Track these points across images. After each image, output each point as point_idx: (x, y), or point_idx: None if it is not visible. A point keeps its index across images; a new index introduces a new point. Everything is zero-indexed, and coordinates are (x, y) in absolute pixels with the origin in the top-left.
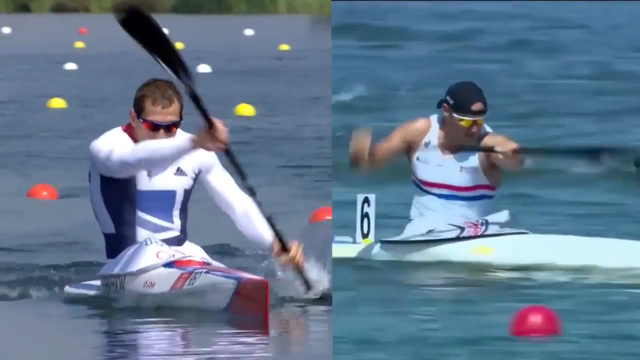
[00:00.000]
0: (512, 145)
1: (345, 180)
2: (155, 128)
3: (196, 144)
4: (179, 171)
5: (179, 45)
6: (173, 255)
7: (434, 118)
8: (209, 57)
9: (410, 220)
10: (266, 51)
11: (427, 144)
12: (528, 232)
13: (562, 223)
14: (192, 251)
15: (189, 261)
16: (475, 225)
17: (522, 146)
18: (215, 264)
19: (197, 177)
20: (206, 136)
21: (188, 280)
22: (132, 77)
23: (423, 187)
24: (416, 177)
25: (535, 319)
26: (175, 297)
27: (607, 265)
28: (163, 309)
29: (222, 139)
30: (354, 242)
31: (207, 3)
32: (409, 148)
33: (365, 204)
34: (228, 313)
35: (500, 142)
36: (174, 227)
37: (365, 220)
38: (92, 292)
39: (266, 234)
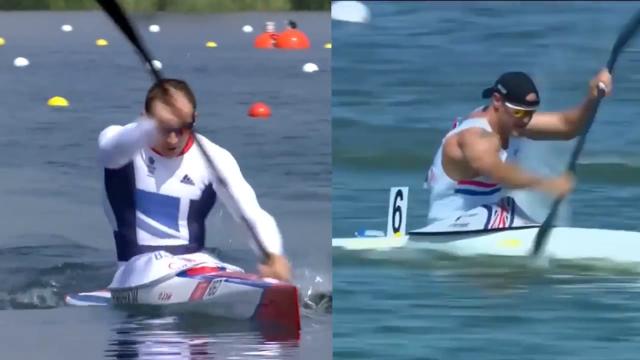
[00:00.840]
0: (604, 76)
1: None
2: (166, 131)
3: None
4: (186, 179)
5: None
6: (185, 265)
7: (482, 124)
8: (29, 52)
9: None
10: (84, 46)
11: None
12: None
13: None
14: (203, 258)
15: (203, 268)
16: (502, 202)
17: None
18: (230, 267)
19: (209, 189)
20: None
21: (208, 290)
22: None
23: (484, 189)
24: (480, 183)
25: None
26: (195, 308)
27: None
28: (185, 317)
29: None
30: (385, 236)
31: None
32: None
33: (398, 198)
34: (255, 322)
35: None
36: (179, 235)
37: (397, 213)
38: (99, 304)
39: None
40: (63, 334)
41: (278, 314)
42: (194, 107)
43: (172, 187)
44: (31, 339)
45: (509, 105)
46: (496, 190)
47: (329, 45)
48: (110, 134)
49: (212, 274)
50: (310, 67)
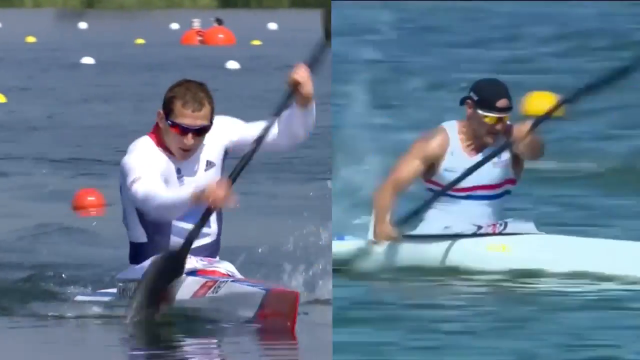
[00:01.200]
0: (524, 129)
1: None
2: (184, 132)
3: (196, 202)
4: (209, 164)
5: None
6: (198, 265)
7: (448, 126)
8: None
9: (423, 219)
10: (14, 44)
11: (452, 154)
12: (544, 233)
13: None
14: (221, 265)
15: (214, 271)
16: (494, 226)
17: (534, 118)
18: (240, 277)
19: (225, 158)
20: (206, 195)
21: (212, 289)
22: None
23: (452, 193)
24: (443, 187)
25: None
26: (197, 305)
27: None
28: (185, 319)
29: (219, 198)
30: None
31: None
32: (431, 165)
33: None
34: (253, 323)
35: (519, 129)
36: (211, 231)
37: None
38: (105, 299)
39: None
40: (59, 338)
41: (277, 318)
42: (214, 110)
43: (200, 180)
44: (31, 345)
45: (479, 112)
46: (467, 197)
47: (255, 42)
48: (144, 181)
49: (222, 277)
50: (232, 65)
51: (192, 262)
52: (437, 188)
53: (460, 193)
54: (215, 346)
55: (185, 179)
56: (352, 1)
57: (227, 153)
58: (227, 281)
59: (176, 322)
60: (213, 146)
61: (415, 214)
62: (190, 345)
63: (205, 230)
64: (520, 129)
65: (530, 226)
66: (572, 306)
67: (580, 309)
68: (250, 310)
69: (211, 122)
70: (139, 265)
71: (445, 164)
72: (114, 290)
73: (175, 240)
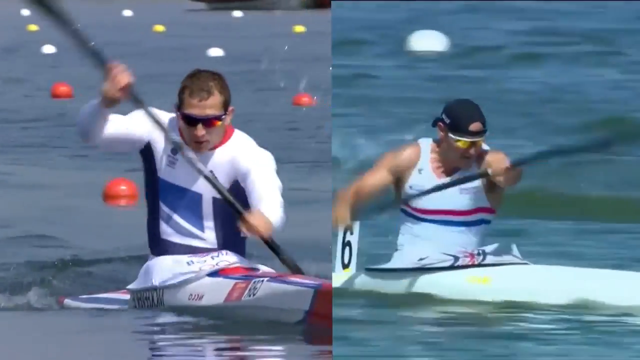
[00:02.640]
0: (504, 164)
1: None
2: (191, 122)
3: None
4: (211, 172)
5: None
6: (217, 264)
7: (423, 142)
8: None
9: (398, 249)
10: None
11: (420, 171)
12: (528, 262)
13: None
14: (233, 258)
15: (237, 268)
16: (472, 255)
17: (516, 160)
18: (264, 268)
19: (236, 188)
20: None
21: (247, 291)
22: None
23: (417, 215)
24: (409, 206)
25: None
26: (233, 310)
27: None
28: (218, 319)
29: (120, 81)
30: (333, 272)
31: None
32: (398, 179)
33: (348, 232)
34: (303, 325)
35: (496, 160)
36: (205, 237)
37: (347, 249)
38: (115, 307)
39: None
40: (84, 337)
41: (330, 315)
42: (227, 101)
43: (194, 181)
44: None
45: (451, 135)
46: (435, 221)
47: None
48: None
49: (249, 274)
50: None
51: (207, 265)
52: (411, 211)
53: (426, 215)
54: (252, 351)
55: (177, 170)
56: (352, 1)
57: (235, 184)
58: (262, 280)
59: (209, 323)
60: (225, 167)
61: (373, 212)
62: (221, 350)
63: (195, 230)
64: (497, 160)
65: (510, 257)
66: (560, 340)
67: (570, 343)
68: (298, 313)
69: (224, 113)
70: (144, 272)
71: (411, 180)
72: (115, 295)
73: (164, 227)
